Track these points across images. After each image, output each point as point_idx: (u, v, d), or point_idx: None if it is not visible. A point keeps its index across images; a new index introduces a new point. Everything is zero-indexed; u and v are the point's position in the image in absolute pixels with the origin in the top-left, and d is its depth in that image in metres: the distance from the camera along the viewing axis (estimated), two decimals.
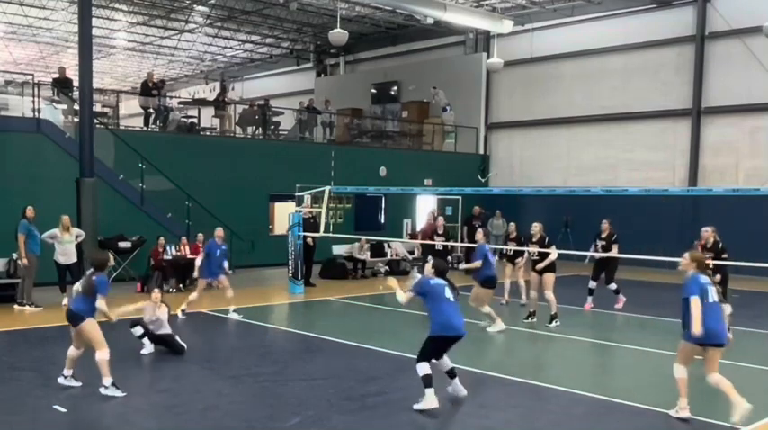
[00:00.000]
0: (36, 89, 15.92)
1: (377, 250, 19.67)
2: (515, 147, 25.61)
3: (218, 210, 17.52)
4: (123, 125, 20.30)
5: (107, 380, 7.51)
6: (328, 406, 7.33)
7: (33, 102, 15.85)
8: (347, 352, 10.01)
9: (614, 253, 13.34)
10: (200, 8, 25.93)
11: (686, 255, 7.71)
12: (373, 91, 28.65)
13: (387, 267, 19.45)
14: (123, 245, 16.22)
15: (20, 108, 16.25)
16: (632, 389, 8.24)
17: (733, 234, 14.65)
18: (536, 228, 12.04)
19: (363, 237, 18.99)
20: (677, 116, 21.57)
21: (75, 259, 13.36)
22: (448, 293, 7.39)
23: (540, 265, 11.88)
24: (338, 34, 19.02)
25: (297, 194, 18.15)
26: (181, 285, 15.62)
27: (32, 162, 15.23)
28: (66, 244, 13.21)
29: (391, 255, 19.82)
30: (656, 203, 19.92)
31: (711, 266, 10.60)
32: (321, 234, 15.94)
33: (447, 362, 7.51)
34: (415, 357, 7.36)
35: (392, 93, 28.16)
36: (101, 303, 7.55)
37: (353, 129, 25.93)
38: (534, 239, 12.12)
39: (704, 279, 7.32)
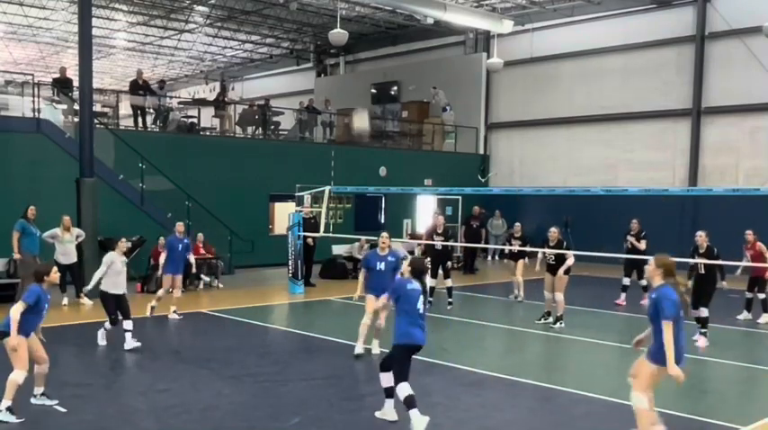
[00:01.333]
0: (36, 89, 15.91)
1: None
2: (515, 148, 25.61)
3: (218, 210, 17.54)
4: (123, 125, 20.30)
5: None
6: (328, 406, 7.33)
7: (33, 102, 15.84)
8: (347, 352, 10.01)
9: (643, 247, 14.02)
10: (201, 8, 25.93)
11: (652, 260, 6.59)
12: (373, 91, 28.65)
13: None
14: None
15: (20, 108, 16.24)
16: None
17: (733, 234, 14.65)
18: (554, 233, 12.00)
19: (363, 237, 18.98)
20: (677, 116, 21.57)
21: (75, 259, 13.37)
22: (419, 304, 6.69)
23: (560, 270, 11.84)
24: (338, 34, 19.02)
25: (297, 194, 18.15)
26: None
27: (32, 162, 15.22)
28: (66, 244, 13.21)
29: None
30: (656, 203, 19.91)
31: (703, 271, 10.69)
32: (321, 234, 15.94)
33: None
34: (416, 357, 7.32)
35: (392, 93, 28.16)
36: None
37: (353, 129, 25.91)
38: (552, 244, 12.07)
39: (676, 292, 6.25)
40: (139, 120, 19.50)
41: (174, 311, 12.18)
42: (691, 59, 21.17)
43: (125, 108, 20.51)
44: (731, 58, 20.41)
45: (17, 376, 6.72)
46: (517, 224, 14.96)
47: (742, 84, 20.14)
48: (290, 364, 9.25)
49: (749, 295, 12.88)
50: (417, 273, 6.81)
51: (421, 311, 6.69)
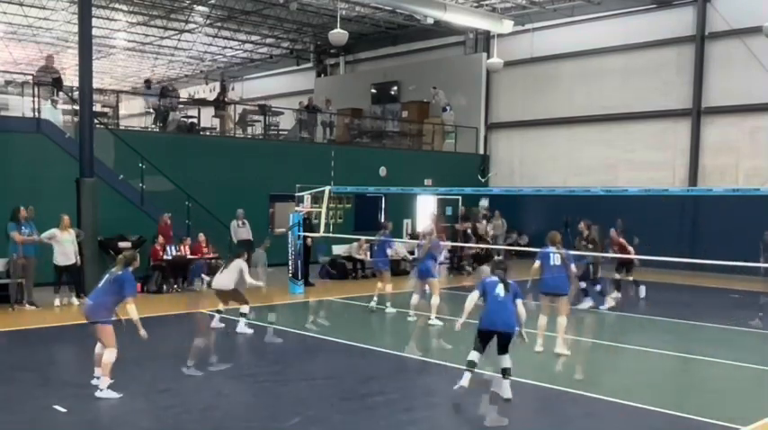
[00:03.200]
0: (36, 89, 15.89)
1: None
2: (515, 148, 25.61)
3: (218, 210, 17.54)
4: (123, 125, 20.30)
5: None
6: (328, 406, 7.32)
7: (33, 102, 15.82)
8: (347, 352, 10.01)
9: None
10: (201, 8, 25.92)
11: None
12: (373, 91, 28.65)
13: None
14: (123, 245, 16.21)
15: (20, 108, 16.23)
16: (632, 389, 8.24)
17: (733, 234, 14.69)
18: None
19: (363, 238, 18.98)
20: (677, 116, 21.56)
21: (74, 260, 13.35)
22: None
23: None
24: (338, 34, 19.02)
25: (297, 194, 18.14)
26: (178, 285, 15.63)
27: (32, 162, 15.21)
28: (65, 244, 13.19)
29: (391, 255, 19.77)
30: (656, 203, 19.92)
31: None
32: (321, 234, 15.94)
33: (502, 360, 7.62)
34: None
35: (392, 93, 28.15)
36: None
37: (353, 129, 25.93)
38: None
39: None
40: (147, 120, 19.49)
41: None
42: (691, 59, 21.17)
43: (125, 108, 20.49)
44: (731, 58, 20.41)
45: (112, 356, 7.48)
46: (484, 222, 15.30)
47: (742, 84, 20.13)
48: (290, 364, 9.25)
49: (618, 276, 14.30)
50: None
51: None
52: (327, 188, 16.36)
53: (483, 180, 25.78)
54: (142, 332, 7.54)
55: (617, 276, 14.51)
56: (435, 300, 11.93)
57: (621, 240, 14.22)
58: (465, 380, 7.48)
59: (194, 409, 7.18)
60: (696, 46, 21.03)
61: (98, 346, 7.75)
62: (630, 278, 14.42)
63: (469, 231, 19.72)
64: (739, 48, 20.09)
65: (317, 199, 17.89)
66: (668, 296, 16.06)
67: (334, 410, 7.18)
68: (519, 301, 7.63)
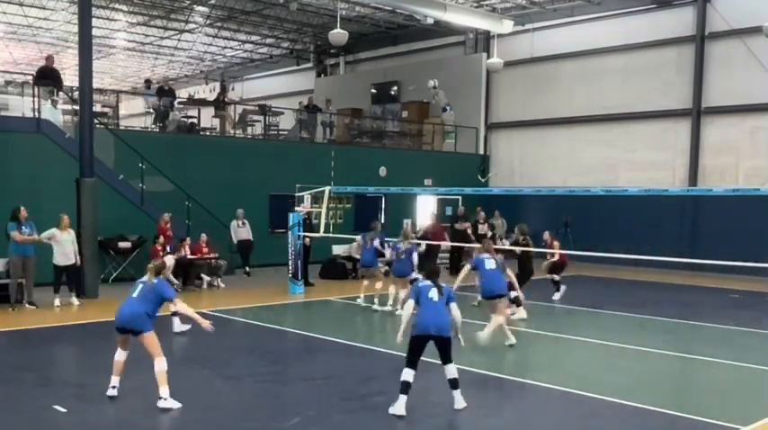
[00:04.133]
0: (36, 89, 15.88)
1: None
2: (515, 148, 25.61)
3: (218, 210, 17.54)
4: (123, 125, 20.30)
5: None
6: (328, 406, 7.32)
7: (33, 102, 15.82)
8: (347, 352, 10.01)
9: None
10: (201, 8, 25.92)
11: None
12: (373, 91, 28.64)
13: (387, 267, 19.40)
14: (123, 245, 16.23)
15: (20, 108, 16.23)
16: (632, 389, 8.24)
17: (733, 234, 14.70)
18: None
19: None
20: (677, 116, 21.56)
21: (73, 260, 13.35)
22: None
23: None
24: (338, 34, 19.02)
25: (297, 194, 18.15)
26: (176, 285, 15.61)
27: (32, 162, 15.21)
28: (65, 243, 13.18)
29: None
30: (656, 203, 19.92)
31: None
32: (321, 234, 15.94)
33: (447, 371, 7.26)
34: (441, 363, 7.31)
35: (392, 93, 28.15)
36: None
37: (353, 129, 25.93)
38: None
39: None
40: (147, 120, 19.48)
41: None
42: (691, 59, 21.17)
43: (125, 108, 20.49)
44: (731, 58, 20.41)
45: (163, 365, 7.26)
46: (486, 224, 15.34)
47: (742, 84, 20.13)
48: (290, 364, 9.25)
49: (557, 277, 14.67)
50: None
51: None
52: (327, 188, 16.37)
53: (483, 180, 25.78)
54: (206, 324, 7.45)
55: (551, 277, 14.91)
56: (402, 294, 12.49)
57: (555, 243, 14.70)
58: (400, 406, 6.94)
59: (194, 409, 7.18)
60: (696, 46, 21.03)
61: (119, 353, 7.48)
62: (556, 278, 14.72)
63: (469, 231, 19.68)
64: (739, 48, 20.09)
65: (317, 199, 17.90)
66: (668, 296, 16.06)
67: (334, 410, 7.18)
68: (453, 305, 7.33)
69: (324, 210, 16.01)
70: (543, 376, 8.77)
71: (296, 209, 16.61)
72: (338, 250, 19.17)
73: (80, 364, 8.40)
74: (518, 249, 13.02)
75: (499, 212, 22.32)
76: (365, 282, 13.73)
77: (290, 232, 15.83)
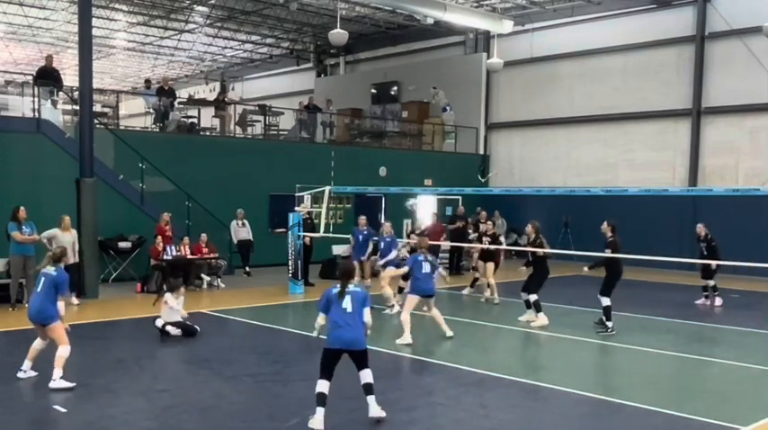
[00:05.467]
0: (36, 89, 15.88)
1: (377, 250, 19.61)
2: (515, 148, 25.61)
3: (218, 210, 17.54)
4: (123, 125, 20.30)
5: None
6: (328, 406, 7.31)
7: (33, 102, 15.82)
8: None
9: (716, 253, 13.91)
10: (201, 8, 25.92)
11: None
12: (373, 91, 28.65)
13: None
14: (123, 245, 16.23)
15: (20, 108, 16.22)
16: (632, 389, 8.24)
17: (733, 234, 14.71)
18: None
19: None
20: (677, 116, 21.57)
21: (72, 261, 13.33)
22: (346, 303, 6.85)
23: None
24: (338, 34, 19.01)
25: (297, 194, 18.14)
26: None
27: (32, 162, 15.20)
28: (66, 244, 13.16)
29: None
30: (656, 203, 19.91)
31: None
32: (321, 234, 15.94)
33: (363, 375, 6.94)
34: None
35: (392, 93, 28.15)
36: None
37: (353, 129, 25.93)
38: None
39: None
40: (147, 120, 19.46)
41: None
42: (691, 59, 21.17)
43: (125, 108, 20.48)
44: (731, 58, 20.41)
45: (66, 351, 7.82)
46: (489, 223, 15.33)
47: (742, 84, 20.14)
48: (290, 364, 9.25)
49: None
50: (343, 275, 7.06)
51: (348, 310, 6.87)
52: (327, 188, 16.36)
53: (483, 180, 25.77)
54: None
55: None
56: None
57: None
58: (318, 420, 6.59)
59: (194, 409, 7.18)
60: (696, 46, 21.04)
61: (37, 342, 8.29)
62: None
63: (470, 230, 19.63)
64: (739, 48, 20.09)
65: (317, 199, 17.89)
66: (668, 296, 16.06)
67: (334, 410, 7.17)
68: (366, 310, 6.87)
69: (324, 210, 16.00)
70: (543, 376, 8.77)
71: (296, 209, 16.61)
72: (338, 250, 19.15)
73: (80, 364, 8.39)
74: (541, 251, 12.01)
75: (499, 212, 22.33)
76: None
77: (290, 232, 15.84)
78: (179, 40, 30.45)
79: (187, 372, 8.78)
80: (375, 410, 6.84)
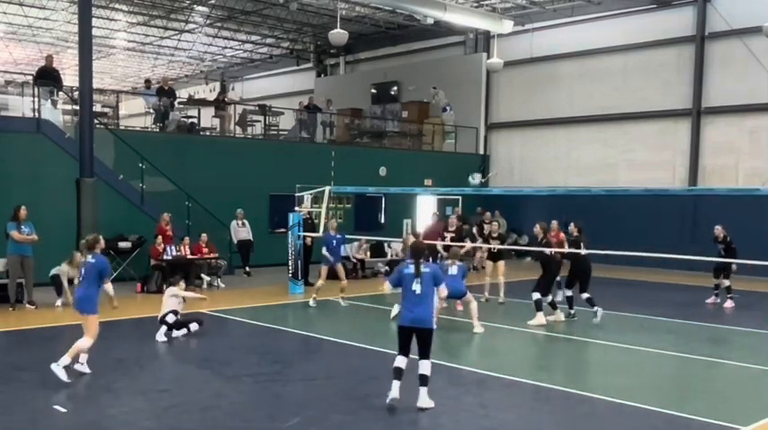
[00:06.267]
0: (36, 89, 15.89)
1: (377, 250, 19.67)
2: (515, 147, 25.61)
3: (218, 210, 17.54)
4: (123, 125, 20.30)
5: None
6: (328, 406, 7.32)
7: (33, 102, 15.82)
8: (347, 352, 10.01)
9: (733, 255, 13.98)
10: (201, 8, 25.92)
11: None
12: (373, 91, 28.65)
13: (387, 267, 19.44)
14: (123, 245, 16.22)
15: (20, 108, 16.22)
16: (632, 389, 8.24)
17: (733, 234, 14.71)
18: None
19: (363, 237, 19.00)
20: (677, 116, 21.57)
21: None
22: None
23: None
24: (338, 34, 19.01)
25: (297, 194, 18.15)
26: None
27: (32, 162, 15.21)
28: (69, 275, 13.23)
29: (391, 255, 19.80)
30: (656, 203, 19.91)
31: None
32: (321, 234, 15.92)
33: (420, 365, 7.18)
34: (416, 357, 7.32)
35: (392, 93, 28.16)
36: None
37: (353, 129, 25.94)
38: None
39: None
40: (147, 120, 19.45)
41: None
42: (691, 59, 21.17)
43: (125, 108, 20.48)
44: (731, 58, 20.41)
45: (88, 343, 8.03)
46: (495, 223, 15.30)
47: (742, 84, 20.14)
48: (290, 364, 9.24)
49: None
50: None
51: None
52: (327, 188, 16.36)
53: (483, 180, 25.77)
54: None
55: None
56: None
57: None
58: (394, 391, 7.14)
59: (194, 409, 7.18)
60: (696, 46, 21.04)
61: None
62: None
63: (474, 230, 19.60)
64: (739, 48, 20.09)
65: (317, 199, 17.89)
66: (668, 296, 16.06)
67: (334, 410, 7.18)
68: (439, 288, 7.29)
69: (324, 210, 16.00)
70: (543, 376, 8.77)
71: (296, 209, 16.61)
72: (342, 250, 19.14)
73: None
74: (583, 251, 12.27)
75: (499, 212, 22.34)
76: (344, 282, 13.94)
77: (290, 232, 15.83)
78: (179, 40, 30.45)
79: (187, 372, 8.78)
80: (422, 401, 7.15)
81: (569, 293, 12.60)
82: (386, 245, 19.83)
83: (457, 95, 25.66)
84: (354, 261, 18.75)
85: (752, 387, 8.68)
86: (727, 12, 20.30)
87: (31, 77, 16.66)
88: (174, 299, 10.82)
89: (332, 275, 14.07)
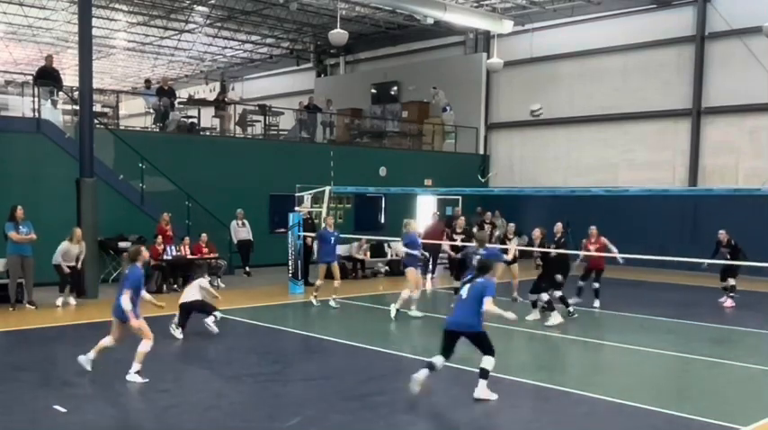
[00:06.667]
0: (36, 89, 15.89)
1: (377, 250, 19.67)
2: (515, 147, 25.61)
3: (218, 210, 17.54)
4: (123, 125, 20.30)
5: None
6: (328, 406, 7.32)
7: (33, 102, 15.82)
8: (347, 352, 10.01)
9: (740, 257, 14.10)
10: (201, 8, 25.92)
11: None
12: (373, 91, 28.65)
13: (387, 267, 19.45)
14: (123, 245, 16.21)
15: (20, 108, 16.22)
16: (632, 389, 8.24)
17: (733, 234, 14.71)
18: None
19: (363, 237, 19.00)
20: (677, 116, 21.57)
21: (74, 262, 13.36)
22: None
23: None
24: (338, 34, 19.01)
25: (297, 194, 18.15)
26: (176, 285, 15.62)
27: (32, 162, 15.22)
28: (73, 254, 13.27)
29: (391, 255, 19.81)
30: (655, 203, 19.91)
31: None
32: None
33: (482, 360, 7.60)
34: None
35: (392, 93, 28.15)
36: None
37: (353, 129, 25.94)
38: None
39: None
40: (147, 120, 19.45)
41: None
42: (691, 59, 21.17)
43: (125, 108, 20.47)
44: (731, 58, 20.41)
45: (145, 346, 8.07)
46: (511, 224, 15.18)
47: (742, 84, 20.13)
48: (290, 364, 9.25)
49: (581, 283, 14.05)
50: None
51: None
52: (327, 188, 16.36)
53: (483, 180, 25.78)
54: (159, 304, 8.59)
55: None
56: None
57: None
58: (420, 375, 7.42)
59: (194, 409, 7.18)
60: (696, 46, 21.03)
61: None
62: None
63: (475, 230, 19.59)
64: (739, 48, 20.08)
65: (317, 199, 17.89)
66: (668, 296, 16.06)
67: (334, 410, 7.18)
68: (486, 299, 7.45)
69: (324, 210, 16.00)
70: (543, 376, 8.76)
71: (296, 209, 16.61)
72: (338, 250, 19.12)
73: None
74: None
75: (499, 212, 22.33)
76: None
77: (290, 232, 15.84)
78: (179, 40, 30.45)
79: (187, 372, 8.79)
80: (477, 392, 7.48)
81: (559, 293, 12.52)
82: (386, 245, 19.82)
83: (457, 95, 25.65)
84: (360, 258, 18.76)
85: (752, 387, 8.68)
86: (727, 12, 20.29)
87: (31, 77, 16.65)
88: (202, 291, 11.01)
89: (328, 275, 14.08)
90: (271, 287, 16.24)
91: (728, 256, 14.29)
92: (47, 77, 16.28)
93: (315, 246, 14.25)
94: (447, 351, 7.51)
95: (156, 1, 25.01)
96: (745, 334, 11.91)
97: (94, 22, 18.33)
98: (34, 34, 28.99)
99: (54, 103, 16.45)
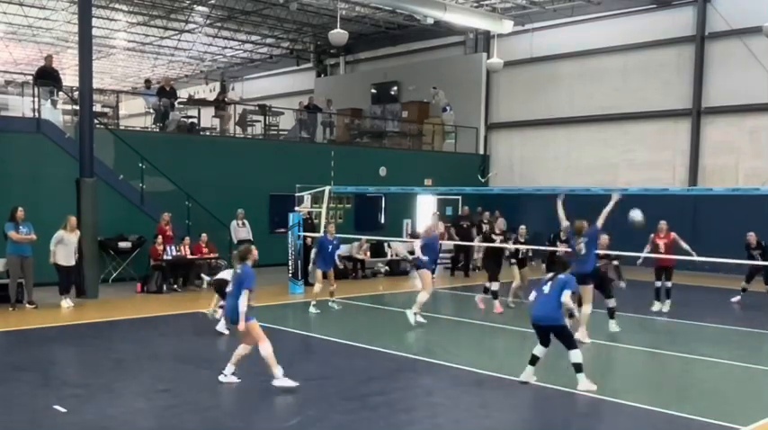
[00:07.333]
0: (36, 89, 15.89)
1: (377, 250, 19.66)
2: (515, 147, 25.61)
3: (218, 210, 17.54)
4: (123, 125, 20.29)
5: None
6: (328, 406, 7.32)
7: (33, 102, 15.82)
8: (347, 352, 10.01)
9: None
10: (201, 8, 25.92)
11: None
12: (373, 91, 28.65)
13: (387, 267, 19.46)
14: (123, 245, 16.23)
15: (20, 108, 16.22)
16: (632, 389, 8.24)
17: (733, 234, 14.70)
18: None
19: (364, 237, 18.99)
20: (677, 116, 21.56)
21: (73, 262, 13.35)
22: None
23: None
24: (338, 34, 19.01)
25: (297, 194, 18.15)
26: (176, 285, 15.65)
27: (32, 162, 15.21)
28: (70, 245, 13.21)
29: (391, 255, 19.82)
30: (655, 203, 19.86)
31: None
32: (321, 234, 15.91)
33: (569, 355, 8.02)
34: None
35: (392, 93, 28.16)
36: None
37: (353, 129, 25.94)
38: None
39: None
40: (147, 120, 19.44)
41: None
42: (691, 59, 21.17)
43: (125, 108, 20.46)
44: (731, 58, 20.41)
45: (267, 349, 7.93)
46: (501, 220, 15.22)
47: (742, 84, 20.13)
48: (290, 364, 9.23)
49: (658, 284, 13.95)
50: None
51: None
52: (327, 188, 16.35)
53: (483, 180, 25.78)
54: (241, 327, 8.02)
55: None
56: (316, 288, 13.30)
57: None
58: (526, 374, 8.15)
59: (194, 409, 7.18)
60: (696, 46, 21.03)
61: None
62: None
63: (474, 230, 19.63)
64: (739, 48, 20.08)
65: (317, 199, 17.89)
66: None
67: (334, 410, 7.18)
68: (565, 293, 7.88)
69: (324, 210, 16.00)
70: (543, 376, 8.76)
71: (296, 209, 16.61)
72: (338, 250, 19.14)
73: (80, 364, 8.40)
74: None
75: (499, 212, 22.31)
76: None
77: (290, 232, 15.83)
78: (179, 40, 30.45)
79: (187, 372, 8.78)
80: (579, 385, 7.91)
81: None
82: (386, 245, 19.83)
83: (457, 95, 25.65)
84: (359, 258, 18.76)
85: (752, 387, 8.68)
86: (727, 12, 20.29)
87: (31, 77, 16.65)
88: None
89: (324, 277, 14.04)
90: (271, 287, 16.22)
91: (759, 258, 14.04)
92: (47, 77, 16.28)
93: (312, 253, 14.09)
94: (543, 341, 8.11)
95: (156, 1, 25.02)
96: (745, 334, 11.91)
97: (94, 22, 18.32)
98: (34, 34, 28.99)
99: (54, 103, 16.44)
